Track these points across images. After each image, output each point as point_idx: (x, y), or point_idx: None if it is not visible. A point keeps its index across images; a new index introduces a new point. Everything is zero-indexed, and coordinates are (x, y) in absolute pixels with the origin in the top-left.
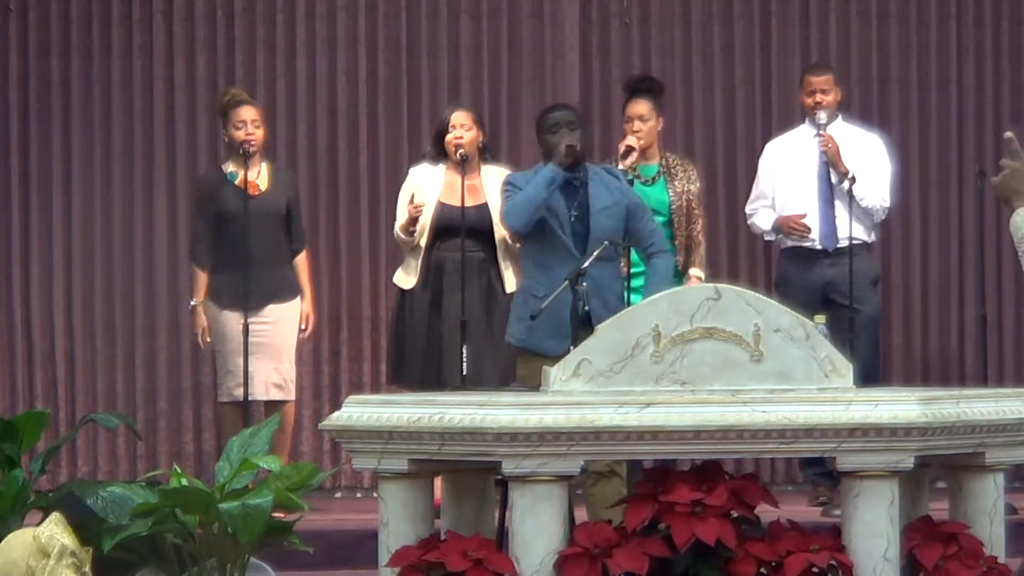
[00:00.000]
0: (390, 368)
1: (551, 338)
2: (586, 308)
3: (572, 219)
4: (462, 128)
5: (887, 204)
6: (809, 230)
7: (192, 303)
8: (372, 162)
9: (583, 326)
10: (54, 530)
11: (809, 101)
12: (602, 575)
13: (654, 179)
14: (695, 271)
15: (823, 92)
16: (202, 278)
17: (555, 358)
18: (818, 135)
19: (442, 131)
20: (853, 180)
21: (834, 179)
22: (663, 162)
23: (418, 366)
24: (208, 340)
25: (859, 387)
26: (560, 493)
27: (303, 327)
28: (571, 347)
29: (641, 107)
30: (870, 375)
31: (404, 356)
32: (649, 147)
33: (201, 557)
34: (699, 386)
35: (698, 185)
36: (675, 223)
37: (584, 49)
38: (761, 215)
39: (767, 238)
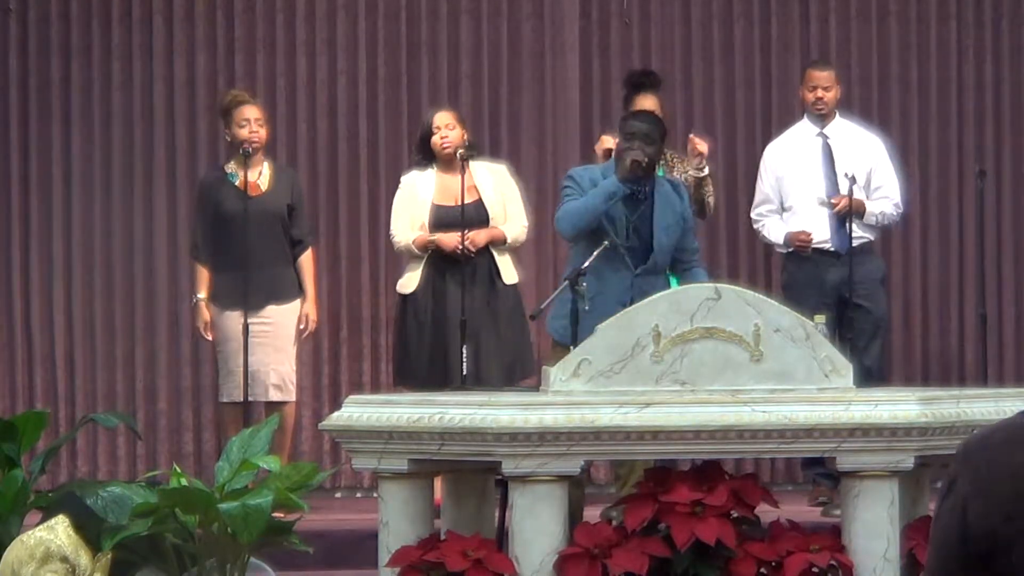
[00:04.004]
0: (395, 371)
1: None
2: (586, 308)
3: (630, 230)
4: (447, 128)
5: (901, 209)
6: (811, 240)
7: (196, 298)
8: (372, 162)
9: None
10: (45, 535)
11: (810, 96)
12: (602, 575)
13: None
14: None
15: (824, 89)
16: (204, 274)
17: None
18: (831, 204)
19: (426, 135)
20: (853, 180)
21: (840, 183)
22: (663, 156)
23: (423, 367)
24: (210, 335)
25: (870, 386)
26: (560, 493)
27: (302, 326)
28: (571, 347)
29: (650, 102)
30: (880, 374)
31: (409, 358)
32: None
33: (201, 557)
34: (699, 386)
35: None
36: None
37: (584, 49)
38: (770, 225)
39: (778, 250)
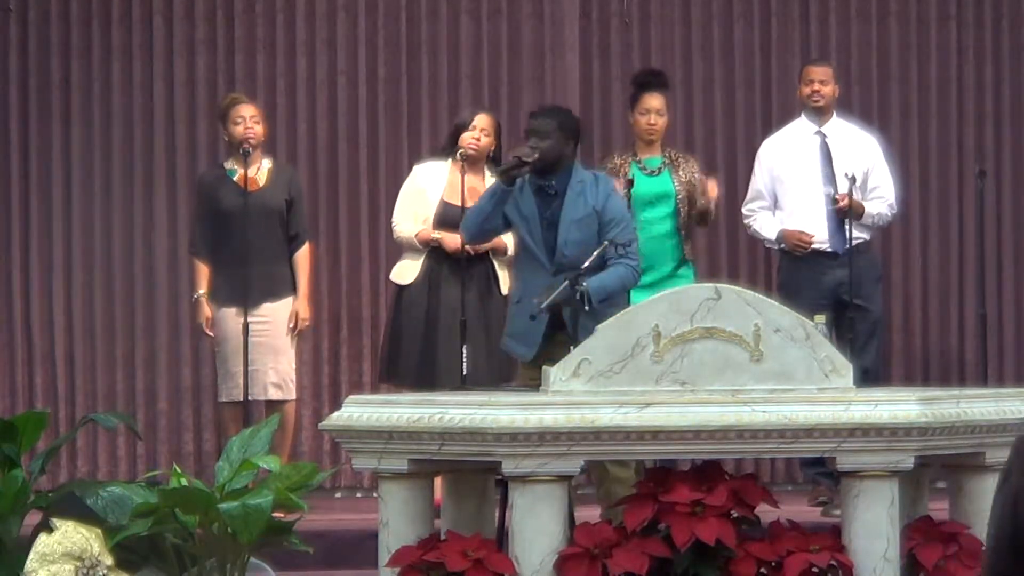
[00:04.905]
0: (383, 364)
1: (521, 344)
2: (587, 308)
3: (544, 227)
4: (482, 132)
5: (895, 210)
6: (811, 243)
7: (196, 294)
8: (372, 162)
9: (558, 331)
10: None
11: (806, 90)
12: (602, 575)
13: (660, 169)
14: (711, 183)
15: (821, 83)
16: (203, 270)
17: (527, 365)
18: (834, 199)
19: (461, 128)
20: (853, 180)
21: (839, 182)
22: (667, 154)
23: (413, 365)
24: (211, 332)
25: (867, 385)
26: (560, 493)
27: (291, 324)
28: (571, 348)
29: (658, 100)
30: (878, 373)
31: (399, 354)
32: (659, 140)
33: (201, 557)
34: (699, 386)
35: (700, 175)
36: (680, 212)
37: (584, 49)
38: (761, 220)
39: (768, 246)
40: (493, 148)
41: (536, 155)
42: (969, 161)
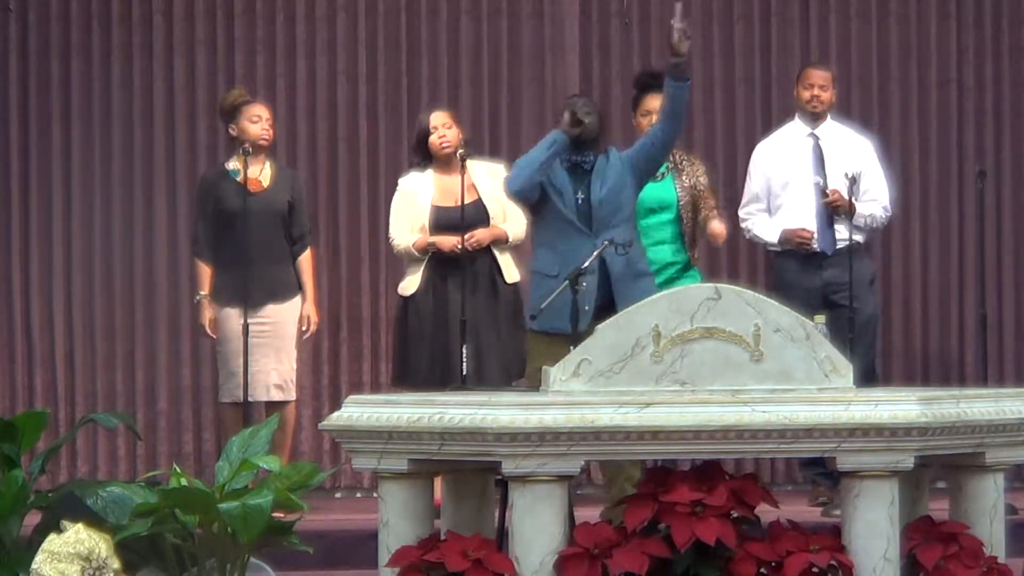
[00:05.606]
0: (394, 372)
1: (563, 318)
2: (586, 308)
3: (579, 201)
4: (444, 127)
5: (889, 212)
6: (813, 238)
7: (198, 295)
8: (372, 162)
9: (605, 311)
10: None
11: (806, 94)
12: (602, 575)
13: (663, 175)
14: (715, 223)
15: (821, 88)
16: (206, 271)
17: (569, 336)
18: (823, 192)
19: (423, 135)
20: (854, 181)
21: (834, 183)
22: (671, 158)
23: (423, 369)
24: (213, 333)
25: (858, 386)
26: (560, 493)
27: (304, 328)
28: (580, 340)
29: (658, 102)
30: (868, 374)
31: (409, 360)
32: None
33: (201, 557)
34: (699, 386)
35: (706, 178)
36: (683, 219)
37: (584, 49)
38: (759, 223)
39: (770, 248)
40: (462, 137)
41: (590, 119)
42: (969, 161)
